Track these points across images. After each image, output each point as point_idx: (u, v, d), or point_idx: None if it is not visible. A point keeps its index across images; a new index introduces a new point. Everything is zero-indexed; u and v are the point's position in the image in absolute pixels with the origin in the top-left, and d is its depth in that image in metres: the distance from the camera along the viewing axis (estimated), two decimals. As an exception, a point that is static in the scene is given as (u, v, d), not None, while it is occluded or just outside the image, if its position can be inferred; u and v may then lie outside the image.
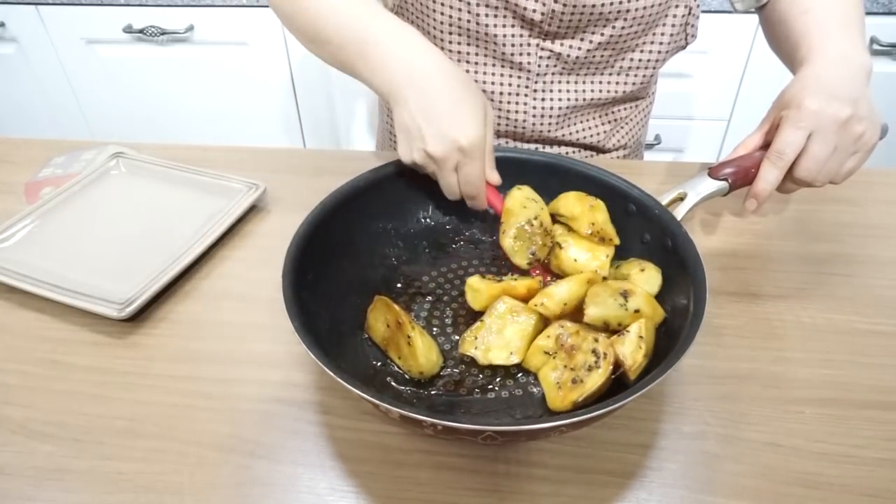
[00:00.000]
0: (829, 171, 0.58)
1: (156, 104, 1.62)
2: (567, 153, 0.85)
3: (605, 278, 0.57)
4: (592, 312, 0.51)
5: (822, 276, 0.65)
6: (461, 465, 0.49)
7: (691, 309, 0.49)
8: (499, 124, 0.82)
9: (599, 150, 0.87)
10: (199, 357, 0.57)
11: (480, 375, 0.54)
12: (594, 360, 0.47)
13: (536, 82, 0.78)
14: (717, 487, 0.47)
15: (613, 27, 0.73)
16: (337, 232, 0.59)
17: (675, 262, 0.55)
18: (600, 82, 0.80)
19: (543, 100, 0.79)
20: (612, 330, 0.52)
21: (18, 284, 0.61)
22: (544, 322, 0.54)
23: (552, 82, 0.78)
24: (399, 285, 0.61)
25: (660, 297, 0.54)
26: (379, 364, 0.54)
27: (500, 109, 0.80)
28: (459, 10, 0.72)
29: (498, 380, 0.53)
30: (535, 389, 0.52)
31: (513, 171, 0.62)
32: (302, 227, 0.55)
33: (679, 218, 0.57)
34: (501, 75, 0.78)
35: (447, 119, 0.57)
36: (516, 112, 0.80)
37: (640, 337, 0.48)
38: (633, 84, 0.80)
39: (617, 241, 0.59)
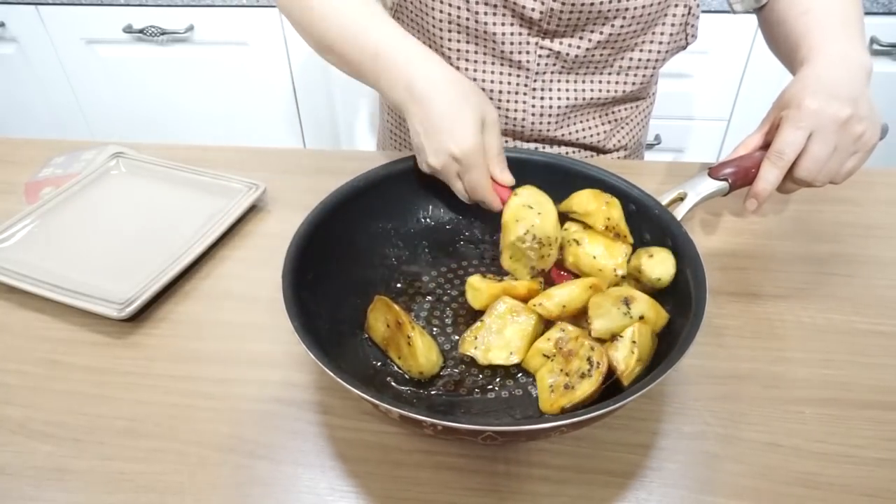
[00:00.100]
0: (830, 171, 0.58)
1: (156, 104, 1.62)
2: (567, 153, 0.85)
3: (623, 277, 0.57)
4: (599, 326, 0.50)
5: (822, 276, 0.65)
6: (461, 465, 0.49)
7: (691, 309, 0.49)
8: (498, 123, 0.82)
9: (599, 150, 0.87)
10: (199, 357, 0.57)
11: (480, 375, 0.54)
12: (587, 369, 0.47)
13: (536, 81, 0.78)
14: (717, 487, 0.47)
15: (612, 26, 0.73)
16: (337, 232, 0.59)
17: (674, 262, 0.55)
18: (600, 82, 0.80)
19: (543, 98, 0.79)
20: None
21: (18, 284, 0.61)
22: (544, 323, 0.54)
23: (552, 81, 0.78)
24: (399, 285, 0.61)
25: (661, 298, 0.54)
26: (379, 364, 0.54)
27: (499, 108, 0.80)
28: (458, 8, 0.72)
29: (498, 380, 0.53)
30: (534, 390, 0.52)
31: (513, 171, 0.62)
32: (302, 227, 0.55)
33: (679, 218, 0.57)
34: (501, 73, 0.78)
35: (441, 130, 0.58)
36: (515, 111, 0.80)
37: (634, 342, 0.48)
38: (633, 84, 0.80)
39: (630, 239, 0.58)
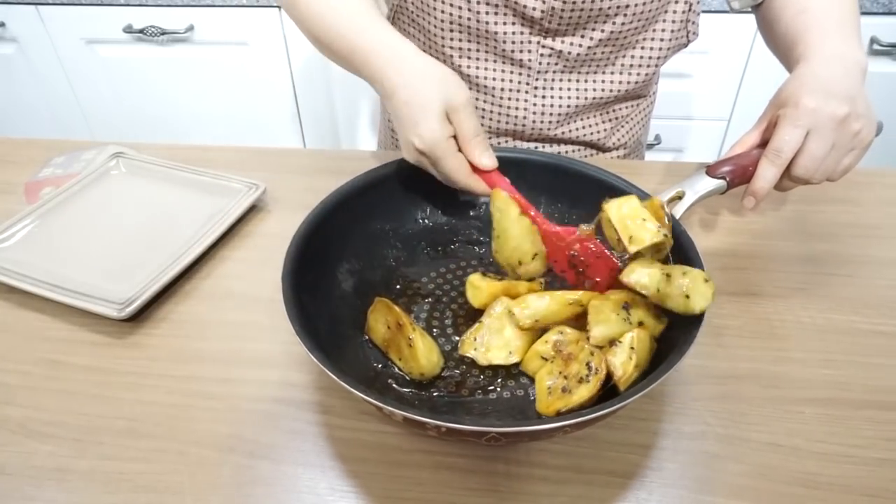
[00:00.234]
0: (827, 168, 0.58)
1: (156, 104, 1.62)
2: (567, 151, 0.85)
3: (665, 236, 0.52)
4: (598, 334, 0.49)
5: (822, 276, 0.65)
6: (461, 465, 0.49)
7: (691, 309, 0.49)
8: (499, 122, 0.82)
9: (600, 148, 0.87)
10: (199, 357, 0.57)
11: (481, 376, 0.54)
12: (586, 374, 0.47)
13: (538, 80, 0.78)
14: (717, 487, 0.47)
15: (613, 23, 0.73)
16: (337, 232, 0.59)
17: (674, 261, 0.54)
18: (602, 80, 0.80)
19: (544, 97, 0.79)
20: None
21: (18, 284, 0.61)
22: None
23: (553, 80, 0.78)
24: (398, 286, 0.61)
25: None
26: (380, 366, 0.54)
27: (500, 107, 0.80)
28: (460, 7, 0.72)
29: (499, 380, 0.53)
30: (535, 390, 0.52)
31: (512, 171, 0.62)
32: (302, 227, 0.55)
33: (678, 217, 0.57)
34: (503, 73, 0.78)
35: (404, 125, 0.58)
36: (517, 109, 0.80)
37: (632, 348, 0.48)
38: (635, 82, 0.80)
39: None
